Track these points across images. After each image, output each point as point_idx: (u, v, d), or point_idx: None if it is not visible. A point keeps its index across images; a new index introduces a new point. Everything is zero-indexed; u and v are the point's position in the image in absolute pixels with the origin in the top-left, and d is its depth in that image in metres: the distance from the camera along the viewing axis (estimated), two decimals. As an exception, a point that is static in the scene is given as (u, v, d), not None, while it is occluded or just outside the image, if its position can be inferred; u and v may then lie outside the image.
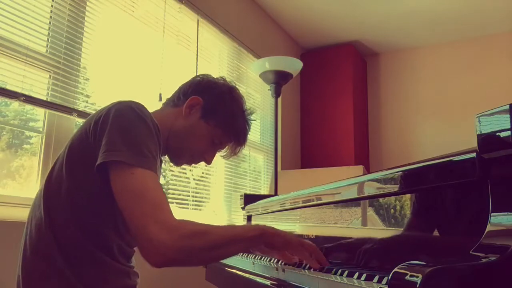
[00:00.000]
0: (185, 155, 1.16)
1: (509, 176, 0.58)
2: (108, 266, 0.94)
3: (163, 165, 1.29)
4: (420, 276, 0.48)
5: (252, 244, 0.95)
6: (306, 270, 0.91)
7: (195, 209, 2.50)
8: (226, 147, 1.19)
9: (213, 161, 1.21)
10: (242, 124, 1.17)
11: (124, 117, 0.91)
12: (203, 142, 1.14)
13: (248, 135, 1.20)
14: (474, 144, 0.61)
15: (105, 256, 0.93)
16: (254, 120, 1.24)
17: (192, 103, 1.11)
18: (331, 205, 1.07)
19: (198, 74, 1.21)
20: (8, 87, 1.52)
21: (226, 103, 1.14)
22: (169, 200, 2.30)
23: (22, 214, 1.32)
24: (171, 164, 1.22)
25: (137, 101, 0.98)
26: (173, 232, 0.81)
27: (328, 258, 1.03)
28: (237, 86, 1.21)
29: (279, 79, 2.51)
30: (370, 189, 0.89)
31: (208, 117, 1.12)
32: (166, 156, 1.18)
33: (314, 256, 0.92)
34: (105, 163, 0.86)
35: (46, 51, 1.69)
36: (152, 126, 0.93)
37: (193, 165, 1.25)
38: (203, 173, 2.59)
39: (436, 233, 0.74)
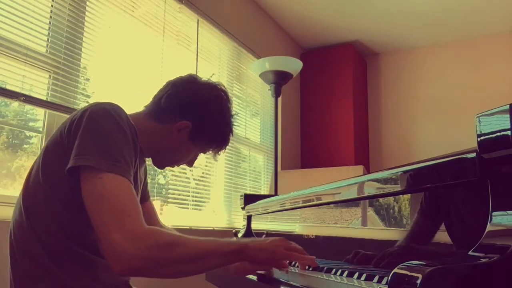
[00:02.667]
0: (170, 164, 1.19)
1: (509, 176, 0.58)
2: (97, 264, 0.93)
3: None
4: (420, 276, 0.48)
5: (230, 260, 0.91)
6: (307, 270, 0.91)
7: (195, 209, 2.50)
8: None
9: (213, 162, 1.22)
10: (228, 135, 1.17)
11: (98, 120, 0.89)
12: (189, 156, 1.17)
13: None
14: (474, 144, 0.61)
15: (91, 255, 0.93)
16: (237, 126, 1.25)
17: (181, 127, 1.09)
18: (331, 205, 1.07)
19: (184, 76, 1.16)
20: (8, 87, 1.52)
21: (215, 124, 1.13)
22: (169, 200, 2.31)
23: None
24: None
25: (136, 103, 0.97)
26: (137, 241, 0.79)
27: (328, 258, 1.03)
28: (225, 91, 1.17)
29: (279, 79, 2.51)
30: (370, 189, 0.89)
31: (196, 139, 1.12)
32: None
33: (302, 257, 0.92)
34: (75, 167, 0.85)
35: (46, 51, 1.69)
36: (128, 130, 0.91)
37: (193, 165, 1.26)
38: (203, 173, 2.59)
39: (436, 233, 0.74)
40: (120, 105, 0.96)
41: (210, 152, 1.19)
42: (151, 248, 0.80)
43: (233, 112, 1.19)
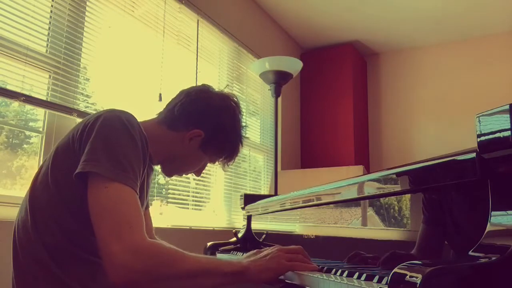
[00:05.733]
0: (179, 173, 1.21)
1: (509, 176, 0.58)
2: (96, 265, 0.93)
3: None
4: (420, 276, 0.48)
5: (230, 281, 0.89)
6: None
7: (195, 209, 2.50)
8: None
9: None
10: (238, 145, 1.19)
11: (110, 127, 0.89)
12: (198, 165, 1.19)
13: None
14: (474, 144, 0.61)
15: (93, 257, 0.92)
16: (247, 138, 1.26)
17: (193, 136, 1.11)
18: (331, 205, 1.07)
19: (197, 86, 1.19)
20: (8, 87, 1.52)
21: (226, 134, 1.15)
22: (169, 200, 2.31)
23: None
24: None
25: (136, 103, 0.97)
26: (137, 253, 0.79)
27: (328, 258, 1.03)
28: (237, 100, 1.20)
29: (279, 79, 2.51)
30: (370, 189, 0.89)
31: (207, 148, 1.14)
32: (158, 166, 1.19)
33: (304, 266, 0.91)
34: (83, 173, 0.85)
35: (46, 51, 1.69)
36: (139, 139, 0.91)
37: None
38: (203, 173, 2.58)
39: (436, 233, 0.74)
40: (133, 114, 0.96)
41: (219, 162, 1.20)
42: (150, 262, 0.80)
43: (244, 124, 1.21)
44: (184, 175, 1.28)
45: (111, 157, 0.85)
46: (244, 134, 1.20)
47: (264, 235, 1.56)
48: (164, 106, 1.18)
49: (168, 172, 1.19)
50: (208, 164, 1.24)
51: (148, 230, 1.27)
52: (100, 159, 0.85)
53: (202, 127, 1.10)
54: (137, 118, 0.98)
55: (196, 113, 1.11)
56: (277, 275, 0.91)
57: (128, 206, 0.84)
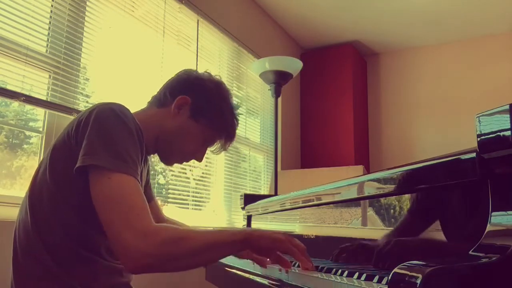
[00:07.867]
0: (176, 155, 1.16)
1: (509, 176, 0.58)
2: (97, 265, 0.94)
3: (163, 164, 1.29)
4: (420, 276, 0.48)
5: (236, 249, 0.92)
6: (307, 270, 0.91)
7: (195, 209, 2.50)
8: (216, 143, 1.19)
9: (213, 162, 1.21)
10: (231, 120, 1.17)
11: (104, 120, 0.90)
12: (194, 141, 1.14)
13: (236, 130, 1.20)
14: (474, 144, 0.61)
15: (93, 256, 0.93)
16: (242, 114, 1.25)
17: (180, 103, 1.10)
18: (331, 205, 1.07)
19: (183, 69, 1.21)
20: (8, 87, 1.52)
21: (214, 101, 1.13)
22: (169, 200, 2.31)
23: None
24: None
25: (136, 103, 0.98)
26: (148, 238, 0.81)
27: (328, 258, 1.03)
28: (222, 81, 1.20)
29: (279, 79, 2.51)
30: (370, 189, 0.89)
31: (197, 116, 1.11)
32: (156, 155, 1.17)
33: (301, 257, 0.91)
34: (83, 166, 0.86)
35: (46, 51, 1.69)
36: (134, 129, 0.92)
37: (192, 164, 1.25)
38: (203, 173, 2.59)
39: (436, 233, 0.74)
40: (125, 105, 0.97)
41: (218, 142, 1.18)
42: (162, 244, 0.81)
43: (235, 103, 1.19)
44: (182, 174, 1.26)
45: (109, 149, 0.86)
46: (236, 110, 1.18)
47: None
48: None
49: (166, 157, 1.16)
50: (208, 165, 1.23)
51: (160, 218, 1.30)
52: (99, 151, 0.86)
53: (188, 93, 1.11)
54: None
55: (180, 84, 1.14)
56: (275, 248, 0.92)
57: (133, 194, 0.85)
